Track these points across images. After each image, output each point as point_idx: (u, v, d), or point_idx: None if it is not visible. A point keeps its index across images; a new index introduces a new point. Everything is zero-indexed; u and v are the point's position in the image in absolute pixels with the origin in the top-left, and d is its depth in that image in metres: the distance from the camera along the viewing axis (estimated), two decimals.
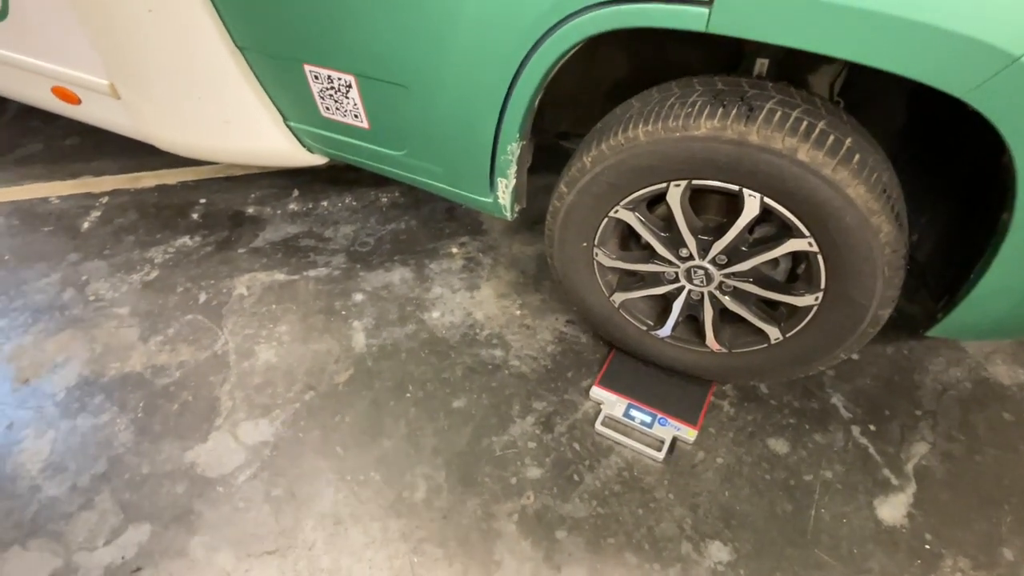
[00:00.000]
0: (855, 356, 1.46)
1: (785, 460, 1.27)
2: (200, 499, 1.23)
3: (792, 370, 1.25)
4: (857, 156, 0.92)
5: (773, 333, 1.19)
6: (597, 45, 1.24)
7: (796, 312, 1.14)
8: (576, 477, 1.25)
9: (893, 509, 1.20)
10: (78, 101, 1.57)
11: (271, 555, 1.15)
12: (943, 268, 1.18)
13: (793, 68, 1.17)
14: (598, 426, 1.32)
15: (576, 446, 1.30)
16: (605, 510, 1.20)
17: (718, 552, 1.14)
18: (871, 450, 1.29)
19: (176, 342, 1.54)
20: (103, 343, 1.55)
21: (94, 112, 1.59)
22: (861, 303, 1.05)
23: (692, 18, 0.85)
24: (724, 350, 1.28)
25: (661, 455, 1.27)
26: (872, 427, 1.33)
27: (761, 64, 1.09)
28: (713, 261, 1.13)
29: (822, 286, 1.07)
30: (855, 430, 1.32)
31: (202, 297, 1.66)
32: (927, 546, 1.14)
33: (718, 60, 1.21)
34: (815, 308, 1.11)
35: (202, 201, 1.99)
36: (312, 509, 1.21)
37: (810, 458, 1.28)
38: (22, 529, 1.20)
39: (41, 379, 1.47)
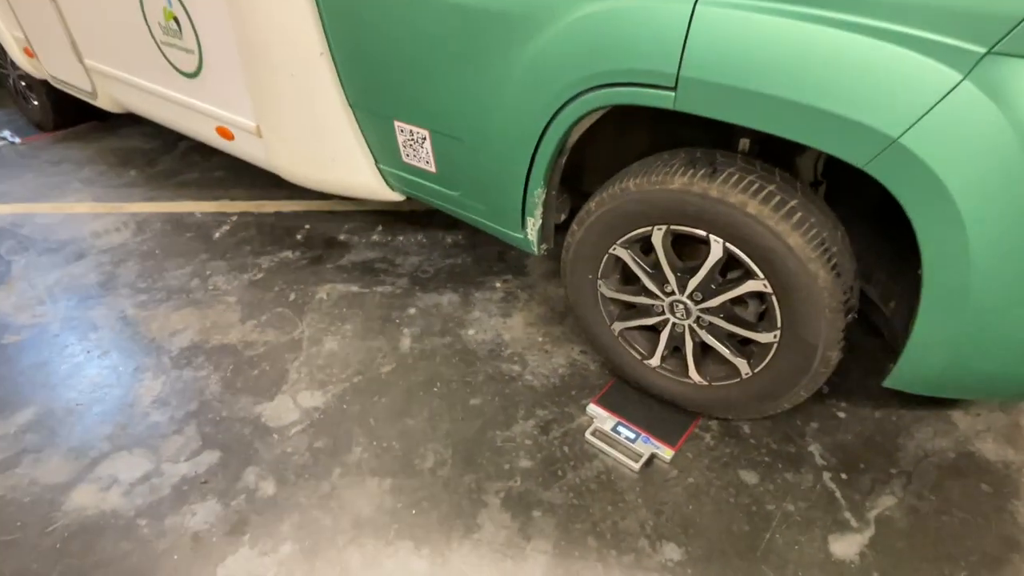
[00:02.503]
0: (841, 414, 1.58)
1: (752, 489, 1.40)
2: (260, 441, 1.55)
3: (762, 405, 1.41)
4: (799, 214, 1.15)
5: (743, 367, 1.37)
6: (624, 125, 1.57)
7: (761, 349, 1.33)
8: (560, 472, 1.45)
9: (847, 546, 1.29)
10: (232, 138, 2.08)
11: (305, 482, 1.43)
12: (903, 324, 1.32)
13: (780, 151, 1.42)
14: (588, 435, 1.52)
15: (566, 448, 1.50)
16: (579, 502, 1.38)
17: (671, 552, 1.28)
18: (837, 494, 1.39)
19: (265, 326, 1.93)
20: (212, 320, 1.97)
21: (242, 147, 2.09)
22: (810, 342, 1.23)
23: (664, 99, 1.14)
24: (705, 382, 1.46)
25: (637, 466, 1.44)
26: (844, 475, 1.43)
27: (744, 143, 1.35)
28: (691, 297, 1.36)
29: (778, 324, 1.26)
30: (826, 475, 1.43)
31: (291, 296, 2.06)
32: None
33: (717, 141, 1.48)
34: (775, 346, 1.29)
35: (306, 226, 2.45)
36: (342, 460, 1.49)
37: (776, 492, 1.40)
38: (131, 439, 1.56)
39: (164, 339, 1.89)
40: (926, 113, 0.92)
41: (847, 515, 1.34)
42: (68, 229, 2.50)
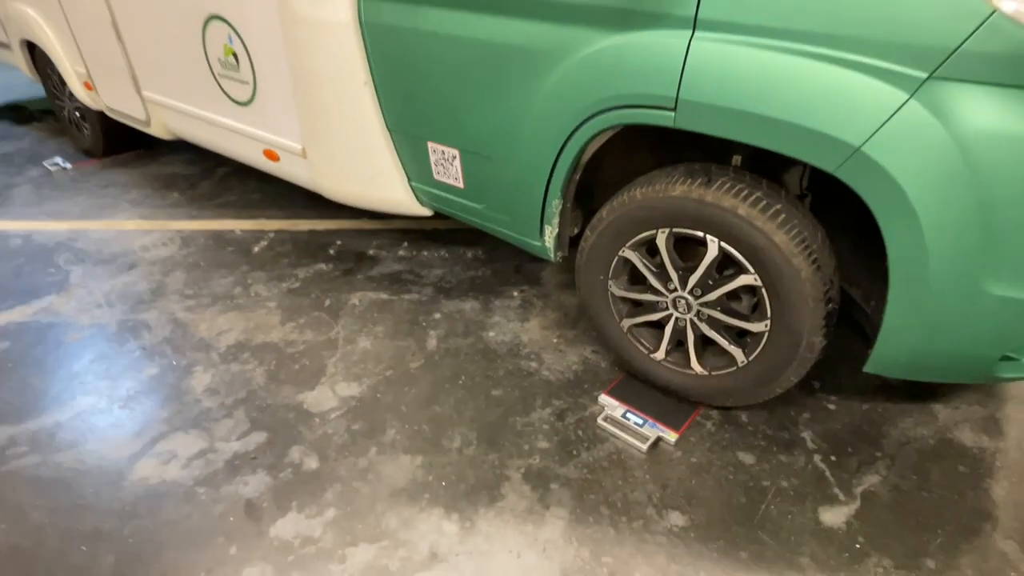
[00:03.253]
0: (831, 406, 1.73)
1: (749, 468, 1.55)
2: (303, 424, 1.72)
3: (757, 391, 1.56)
4: (782, 216, 1.33)
5: (739, 356, 1.53)
6: (629, 149, 1.77)
7: (755, 338, 1.49)
8: (575, 452, 1.60)
9: (835, 516, 1.42)
10: (278, 159, 2.31)
11: (345, 458, 1.58)
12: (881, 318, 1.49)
13: (769, 167, 1.62)
14: (600, 420, 1.68)
15: (580, 432, 1.66)
16: (592, 477, 1.53)
17: (676, 519, 1.42)
18: (827, 473, 1.53)
19: (304, 328, 2.12)
20: (255, 322, 2.15)
21: (287, 168, 2.32)
22: (796, 330, 1.40)
23: (666, 118, 1.34)
24: (705, 372, 1.63)
25: (645, 447, 1.59)
26: (833, 458, 1.57)
27: (736, 159, 1.55)
28: (691, 292, 1.54)
29: (768, 314, 1.43)
30: (816, 457, 1.57)
31: (327, 302, 2.25)
32: (857, 545, 1.35)
33: (713, 160, 1.68)
34: (766, 334, 1.46)
35: (338, 242, 2.66)
36: (377, 440, 1.65)
37: (771, 471, 1.54)
38: (187, 422, 1.73)
39: (212, 338, 2.08)
40: (881, 126, 1.11)
41: (836, 490, 1.48)
42: (119, 243, 2.72)
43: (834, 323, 1.43)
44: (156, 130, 2.91)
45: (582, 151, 1.55)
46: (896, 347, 1.34)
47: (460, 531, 1.41)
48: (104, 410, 1.79)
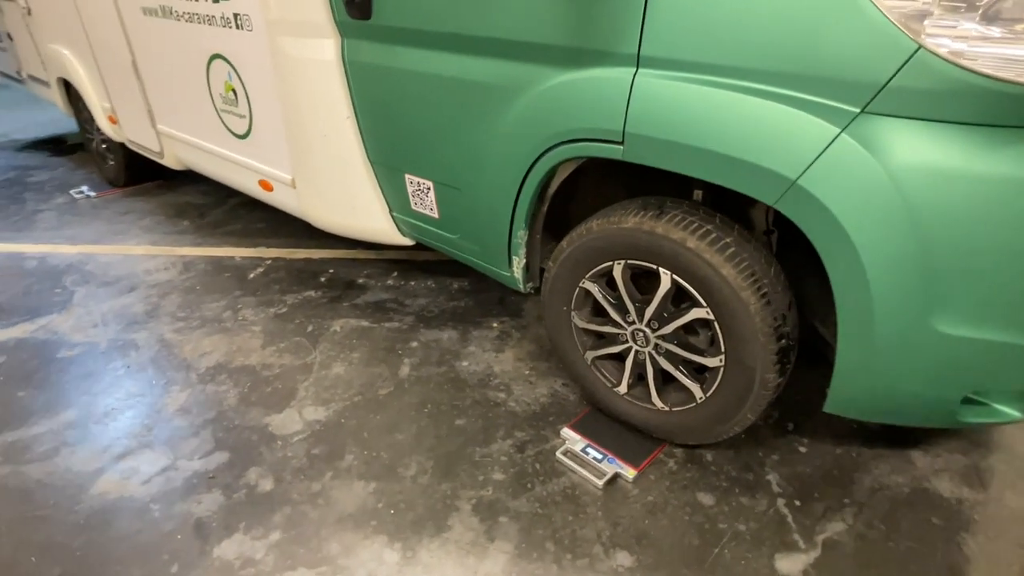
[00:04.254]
0: (803, 449, 1.67)
1: (707, 510, 1.49)
2: (264, 446, 1.73)
3: (716, 428, 1.52)
4: (731, 249, 1.33)
5: (696, 391, 1.50)
6: (602, 183, 1.80)
7: (712, 374, 1.47)
8: (529, 485, 1.57)
9: (792, 564, 1.36)
10: (271, 189, 2.41)
11: (300, 482, 1.59)
12: None
13: (733, 204, 1.61)
14: (558, 454, 1.65)
15: (537, 466, 1.63)
16: (543, 511, 1.50)
17: (623, 559, 1.37)
18: (789, 518, 1.47)
19: (283, 352, 2.15)
20: (237, 345, 2.20)
21: (279, 197, 2.41)
22: (749, 365, 1.37)
23: (614, 151, 1.36)
24: (666, 408, 1.59)
25: (601, 483, 1.55)
26: (797, 502, 1.51)
27: (697, 193, 1.56)
28: (648, 324, 1.52)
29: (723, 349, 1.41)
30: (780, 501, 1.51)
31: (309, 328, 2.29)
32: None
33: (683, 193, 1.68)
34: (722, 369, 1.43)
35: (330, 271, 2.73)
36: (334, 465, 1.65)
37: (730, 513, 1.48)
38: (154, 440, 1.76)
39: (194, 359, 2.13)
40: (815, 159, 1.11)
41: (796, 537, 1.42)
42: (124, 267, 2.83)
43: (790, 361, 1.40)
44: (169, 161, 3.06)
45: (544, 183, 1.58)
46: (851, 386, 1.30)
47: (401, 560, 1.38)
48: (79, 425, 1.84)
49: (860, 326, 1.20)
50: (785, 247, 1.72)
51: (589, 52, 1.33)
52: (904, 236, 1.09)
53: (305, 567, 1.37)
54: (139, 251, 3.00)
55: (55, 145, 4.91)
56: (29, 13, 3.61)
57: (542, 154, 1.51)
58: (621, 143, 1.34)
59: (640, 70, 1.27)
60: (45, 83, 3.94)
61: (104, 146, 3.77)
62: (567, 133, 1.42)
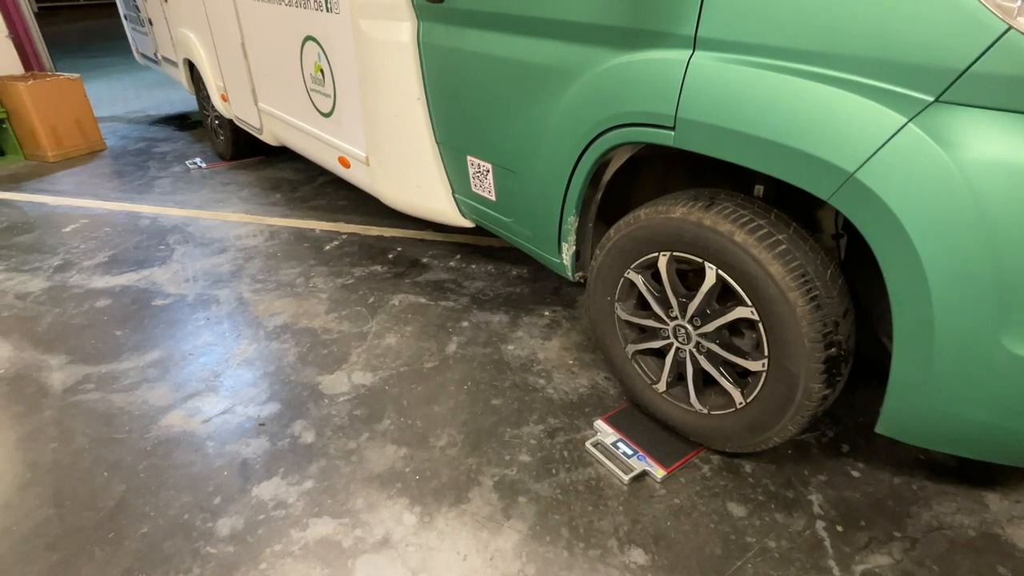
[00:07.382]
0: (856, 473, 1.53)
1: (736, 521, 1.42)
2: (312, 402, 1.84)
3: (754, 437, 1.44)
4: (782, 247, 1.25)
5: (736, 396, 1.43)
6: (665, 174, 1.75)
7: (754, 378, 1.39)
8: (554, 471, 1.56)
9: None
10: (349, 166, 2.54)
11: (338, 438, 1.67)
12: None
13: (800, 205, 1.52)
14: (588, 445, 1.62)
15: (565, 453, 1.62)
16: (563, 497, 1.48)
17: (637, 556, 1.34)
18: (827, 543, 1.36)
19: (344, 319, 2.27)
20: (304, 309, 2.35)
21: (354, 173, 2.54)
22: (793, 372, 1.28)
23: (666, 137, 1.32)
24: (704, 411, 1.53)
25: (627, 478, 1.51)
26: (839, 528, 1.39)
27: (757, 188, 1.48)
28: (691, 321, 1.46)
29: (766, 352, 1.32)
30: (819, 524, 1.40)
31: (371, 299, 2.40)
32: None
33: (744, 188, 1.60)
34: (764, 375, 1.35)
35: (398, 248, 2.84)
36: (371, 427, 1.72)
37: (761, 528, 1.40)
38: (218, 384, 1.92)
39: (265, 318, 2.30)
40: (876, 151, 1.02)
41: (831, 563, 1.31)
42: (220, 231, 3.10)
43: (840, 373, 1.29)
44: (267, 137, 3.31)
45: (597, 169, 1.56)
46: (905, 406, 1.18)
47: (418, 524, 1.42)
48: (161, 365, 2.04)
49: (918, 341, 1.09)
50: (861, 257, 1.59)
51: (646, 33, 1.30)
52: (974, 241, 0.98)
53: (330, 516, 1.45)
54: (234, 218, 3.27)
55: (180, 121, 5.44)
56: (166, 1, 4.02)
57: (594, 139, 1.49)
58: (672, 128, 1.30)
59: (696, 52, 1.22)
60: (175, 63, 4.38)
61: (216, 122, 4.14)
62: (618, 117, 1.40)
